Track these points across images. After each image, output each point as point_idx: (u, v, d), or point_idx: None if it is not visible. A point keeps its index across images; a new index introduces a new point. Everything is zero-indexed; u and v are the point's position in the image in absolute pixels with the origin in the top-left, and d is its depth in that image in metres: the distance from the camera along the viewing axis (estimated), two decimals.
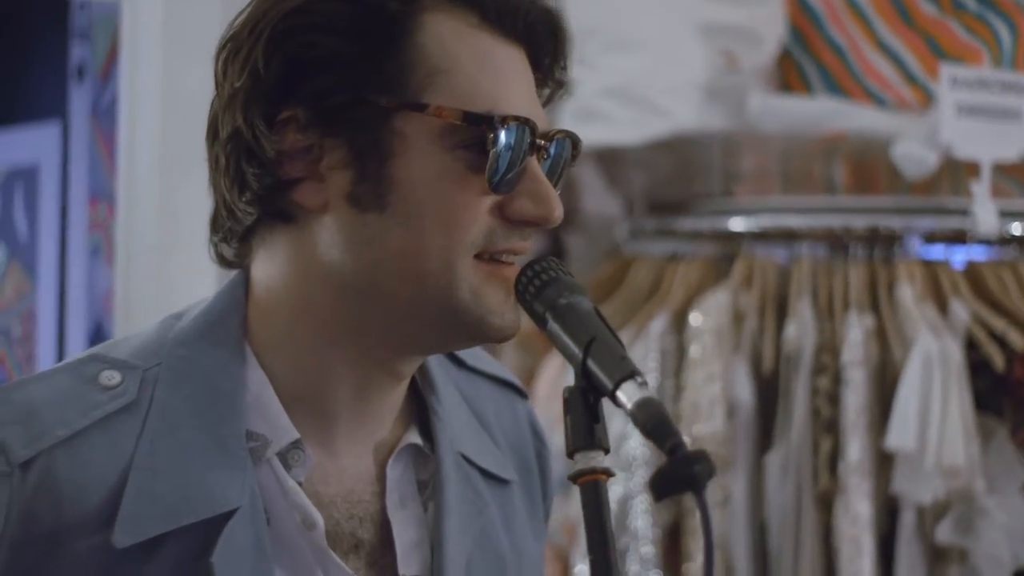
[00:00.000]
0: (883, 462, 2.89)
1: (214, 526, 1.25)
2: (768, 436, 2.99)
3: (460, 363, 1.48)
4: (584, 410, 1.23)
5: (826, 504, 2.91)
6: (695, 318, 3.03)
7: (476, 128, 1.26)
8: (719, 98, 3.26)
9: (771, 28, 3.39)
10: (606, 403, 1.22)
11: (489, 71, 1.28)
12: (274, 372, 1.31)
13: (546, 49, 1.34)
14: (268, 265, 1.32)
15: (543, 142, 1.30)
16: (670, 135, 3.20)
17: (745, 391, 2.98)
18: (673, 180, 3.47)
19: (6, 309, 5.04)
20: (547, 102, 1.36)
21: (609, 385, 1.20)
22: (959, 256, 3.06)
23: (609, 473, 1.22)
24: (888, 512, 2.90)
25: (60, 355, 4.85)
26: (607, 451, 1.23)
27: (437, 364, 1.43)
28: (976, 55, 3.35)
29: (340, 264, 1.28)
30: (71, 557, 1.23)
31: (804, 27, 3.53)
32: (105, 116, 4.60)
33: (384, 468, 1.36)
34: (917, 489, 2.83)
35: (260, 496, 1.28)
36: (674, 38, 3.24)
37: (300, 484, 1.31)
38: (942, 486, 2.81)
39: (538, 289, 1.29)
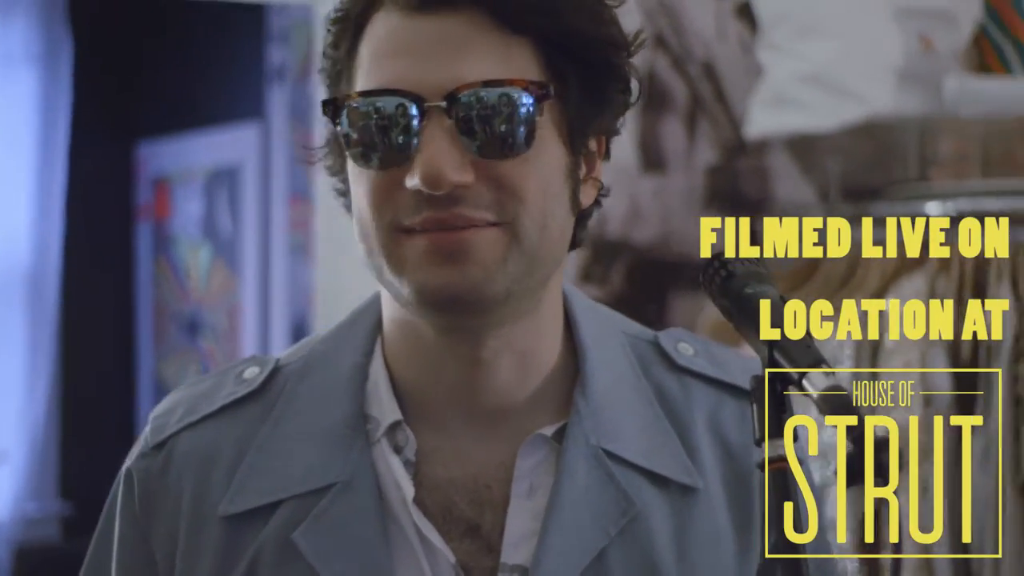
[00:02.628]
0: None
1: (312, 501, 1.34)
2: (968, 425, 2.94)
3: (672, 364, 1.46)
4: (771, 398, 1.23)
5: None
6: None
7: (324, 112, 1.32)
8: (915, 82, 3.22)
9: (967, 9, 3.33)
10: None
11: (381, 52, 1.30)
12: (393, 362, 1.38)
13: (505, 7, 1.30)
14: None
15: (440, 103, 1.27)
16: (865, 121, 3.17)
17: (943, 378, 2.93)
18: (868, 166, 3.43)
19: (212, 304, 5.20)
20: (580, 52, 1.32)
21: (795, 373, 1.20)
22: None
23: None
24: None
25: (264, 349, 4.99)
26: (796, 439, 1.23)
27: (618, 361, 1.43)
28: None
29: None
30: (195, 525, 1.36)
31: (1000, 6, 3.46)
32: (304, 116, 4.72)
33: (515, 457, 1.38)
34: None
35: (373, 473, 1.35)
36: (867, 22, 3.21)
37: (411, 463, 1.36)
38: None
39: (724, 280, 1.30)
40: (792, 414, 1.24)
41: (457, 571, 1.34)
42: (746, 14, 3.56)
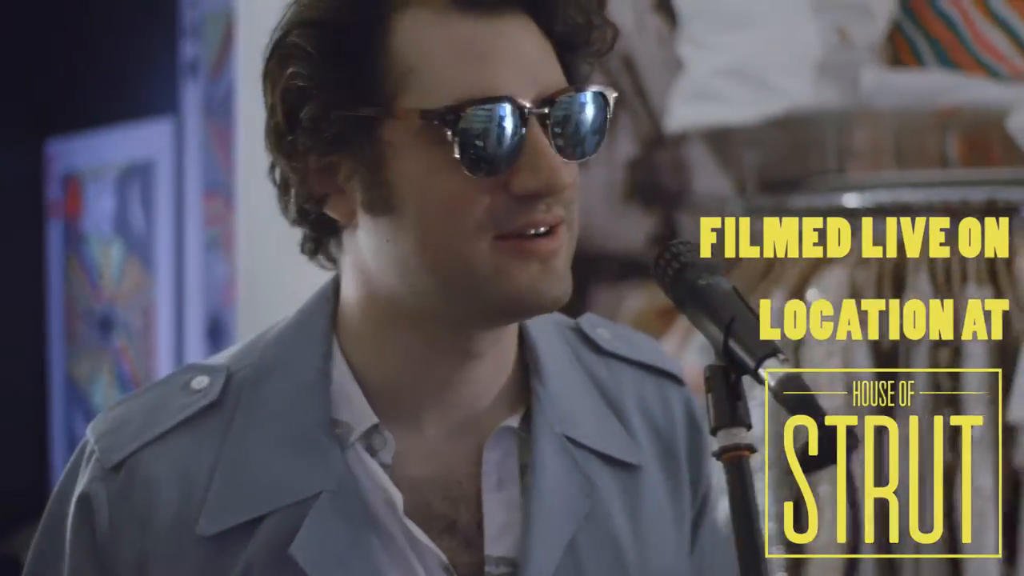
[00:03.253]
0: (1006, 435, 2.87)
1: (299, 513, 1.31)
2: (889, 412, 2.99)
3: (597, 348, 1.50)
4: (726, 388, 1.25)
5: (948, 478, 2.90)
6: (812, 295, 3.03)
7: (439, 124, 1.28)
8: (832, 75, 3.26)
9: (881, 3, 3.38)
10: None
11: (461, 56, 1.30)
12: (357, 363, 1.37)
13: (543, 8, 1.34)
14: (343, 272, 1.40)
15: (543, 109, 1.30)
16: (785, 113, 3.21)
17: (865, 366, 2.97)
18: (785, 158, 3.47)
19: (125, 302, 5.14)
20: (592, 51, 1.37)
21: (751, 363, 1.22)
22: None
23: (752, 449, 1.25)
24: (1012, 485, 2.89)
25: (179, 347, 4.95)
26: (749, 427, 1.26)
27: (559, 348, 1.46)
28: None
29: (376, 266, 1.34)
30: (170, 548, 1.31)
31: (914, 0, 3.52)
32: (218, 111, 4.69)
33: (483, 451, 1.40)
34: None
35: (354, 479, 1.34)
36: (786, 15, 3.24)
37: (388, 466, 1.36)
38: None
39: (677, 272, 1.32)
40: (745, 402, 1.26)
41: (448, 570, 1.35)
42: (664, 8, 3.59)
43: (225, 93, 4.55)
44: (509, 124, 1.28)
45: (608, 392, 1.49)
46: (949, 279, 3.00)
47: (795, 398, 1.18)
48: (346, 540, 1.32)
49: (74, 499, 1.36)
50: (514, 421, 1.41)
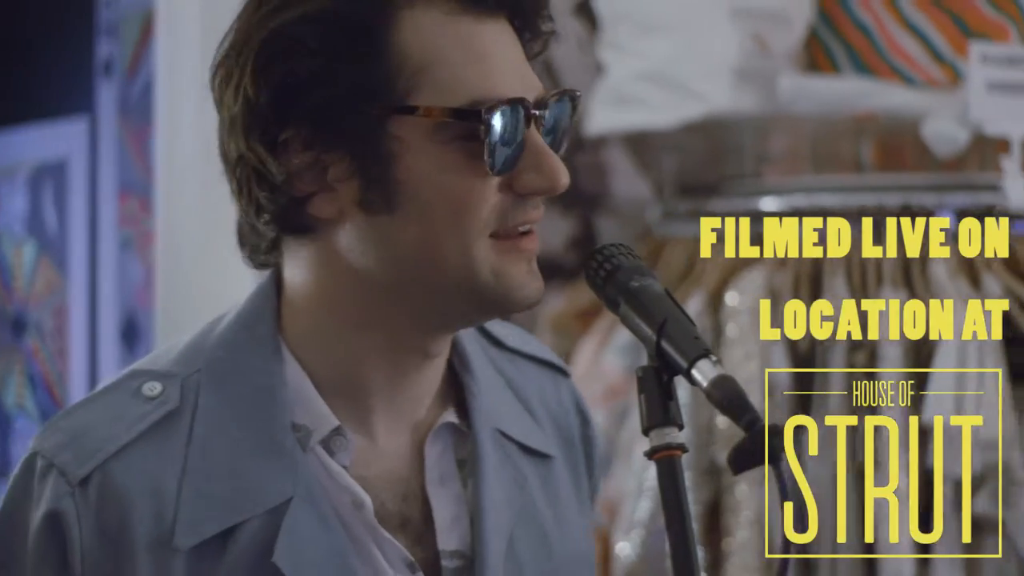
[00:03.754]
0: (920, 436, 2.92)
1: (274, 520, 1.30)
2: (806, 412, 3.03)
3: (500, 344, 1.53)
4: (658, 388, 1.27)
5: (864, 478, 2.94)
6: (731, 297, 3.06)
7: (467, 121, 1.29)
8: (750, 80, 3.30)
9: (799, 10, 3.42)
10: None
11: (473, 57, 1.31)
12: (309, 365, 1.36)
13: (526, 12, 1.37)
14: (295, 269, 1.37)
15: (538, 112, 1.33)
16: (704, 118, 3.24)
17: (783, 373, 3.01)
18: (703, 162, 3.51)
19: (38, 303, 5.08)
20: (535, 55, 1.40)
21: (684, 364, 1.24)
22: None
23: (684, 448, 1.27)
24: (926, 485, 2.94)
25: (92, 348, 4.90)
26: (681, 427, 1.27)
27: (474, 345, 1.48)
28: (1002, 31, 3.38)
29: (363, 265, 1.33)
30: (144, 564, 1.28)
31: (830, 7, 3.56)
32: (134, 110, 4.65)
33: (423, 448, 1.41)
34: (954, 462, 2.86)
35: (319, 483, 1.34)
36: (705, 21, 3.28)
37: (346, 468, 1.36)
38: (979, 459, 2.85)
39: (609, 273, 1.33)
40: (677, 403, 1.28)
41: (412, 566, 1.36)
42: (584, 12, 3.61)
43: (141, 93, 4.51)
44: (519, 125, 1.31)
45: (516, 387, 1.51)
46: (865, 281, 3.05)
47: (727, 398, 1.20)
48: (322, 545, 1.31)
49: (35, 520, 1.30)
50: (452, 416, 1.43)
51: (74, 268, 4.97)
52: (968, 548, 2.93)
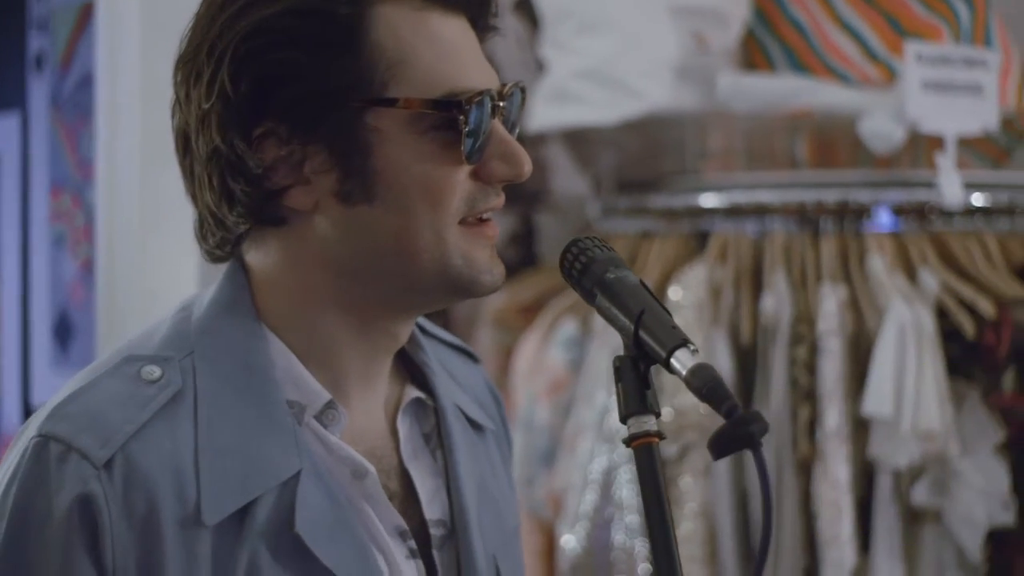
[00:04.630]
0: (860, 428, 2.98)
1: (287, 492, 1.34)
2: (748, 405, 3.07)
3: (424, 331, 1.57)
4: (635, 377, 1.29)
5: (806, 470, 2.99)
6: (674, 292, 3.10)
7: (444, 112, 1.34)
8: (690, 78, 3.33)
9: (737, 9, 3.46)
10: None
11: (443, 50, 1.36)
12: (291, 345, 1.40)
13: (481, 8, 1.42)
14: (263, 258, 1.40)
15: (501, 103, 1.38)
16: (644, 115, 3.27)
17: (725, 362, 3.05)
18: (641, 159, 3.54)
19: None
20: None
21: (663, 353, 1.26)
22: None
23: (661, 436, 1.29)
24: (865, 476, 2.99)
25: (24, 345, 4.85)
26: (658, 415, 1.30)
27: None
28: (936, 32, 3.44)
29: (337, 254, 1.37)
30: (174, 541, 1.30)
31: (766, 7, 3.60)
32: (66, 105, 4.61)
33: (395, 423, 1.46)
34: (893, 453, 2.92)
35: (317, 456, 1.37)
36: (645, 20, 3.31)
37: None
38: (917, 450, 2.90)
39: (584, 266, 1.36)
40: (655, 391, 1.31)
41: (405, 534, 1.41)
42: (523, 10, 3.63)
43: (74, 87, 4.48)
44: (487, 115, 1.36)
45: (447, 368, 1.57)
46: (804, 276, 3.10)
47: (707, 386, 1.23)
48: (331, 514, 1.35)
49: (62, 502, 1.28)
50: (417, 392, 1.48)
51: (6, 265, 4.92)
52: (907, 538, 2.99)
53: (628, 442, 1.29)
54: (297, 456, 1.35)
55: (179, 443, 1.32)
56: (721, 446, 1.21)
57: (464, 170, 1.35)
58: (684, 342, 1.26)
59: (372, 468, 1.39)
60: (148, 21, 3.06)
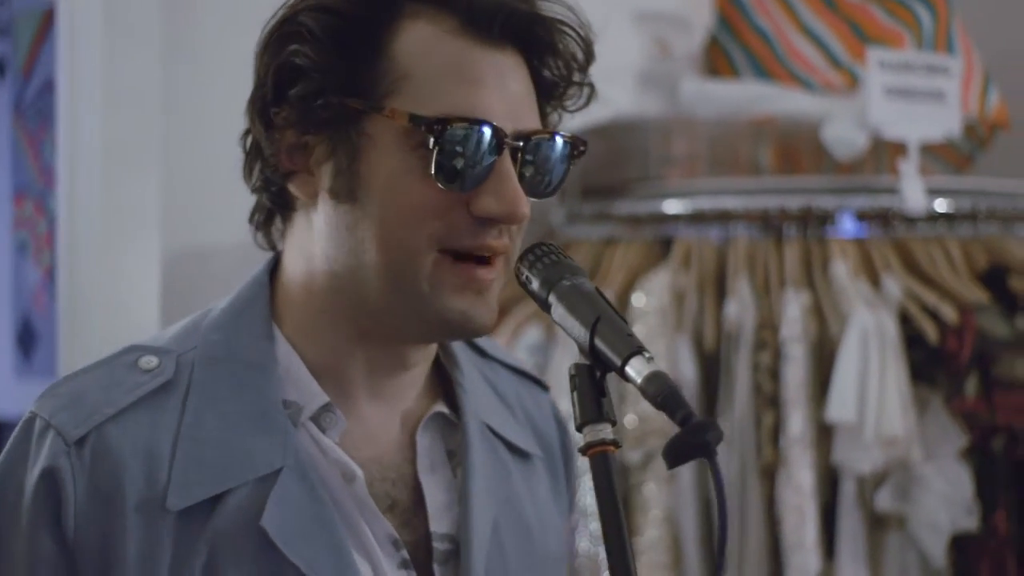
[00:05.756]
0: (824, 434, 2.98)
1: (262, 488, 1.35)
2: (712, 412, 3.07)
3: (482, 353, 1.58)
4: (591, 385, 1.29)
5: (769, 476, 2.99)
6: (638, 298, 3.10)
7: (421, 129, 1.34)
8: (653, 84, 3.33)
9: (699, 15, 3.47)
10: None
11: (456, 75, 1.36)
12: (299, 347, 1.42)
13: (538, 52, 1.41)
14: (288, 252, 1.45)
15: (519, 143, 1.36)
16: (608, 121, 3.27)
17: (688, 368, 3.05)
18: (606, 165, 3.54)
19: None
20: (561, 100, 1.45)
21: (618, 361, 1.25)
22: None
23: (617, 444, 1.28)
24: (829, 482, 2.99)
25: None
26: (614, 423, 1.29)
27: (460, 348, 1.54)
28: (898, 38, 3.45)
29: (327, 250, 1.39)
30: (135, 522, 1.33)
31: (730, 13, 3.61)
32: (29, 112, 4.58)
33: (414, 436, 1.46)
34: (857, 459, 2.92)
35: (308, 455, 1.39)
36: (607, 25, 3.30)
37: (336, 445, 1.41)
38: (881, 455, 2.91)
39: (540, 272, 1.35)
40: (610, 399, 1.30)
41: (396, 543, 1.41)
42: None
43: (37, 93, 4.46)
44: (485, 146, 1.34)
45: (499, 391, 1.57)
46: (768, 282, 3.10)
47: (661, 394, 1.22)
48: (309, 513, 1.36)
49: (32, 477, 1.34)
50: (442, 407, 1.47)
51: None
52: (871, 543, 2.99)
53: (584, 451, 1.28)
54: (282, 454, 1.36)
55: (159, 429, 1.36)
56: (676, 454, 1.21)
57: (448, 197, 1.34)
58: (639, 350, 1.25)
59: (360, 472, 1.39)
60: (110, 27, 3.04)
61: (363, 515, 1.40)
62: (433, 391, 1.49)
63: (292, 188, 1.40)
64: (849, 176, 3.31)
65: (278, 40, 1.38)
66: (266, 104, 1.39)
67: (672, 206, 3.24)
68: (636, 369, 1.25)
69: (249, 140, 1.42)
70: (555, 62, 1.43)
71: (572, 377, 1.30)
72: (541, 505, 1.53)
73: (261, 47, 1.40)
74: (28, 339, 4.72)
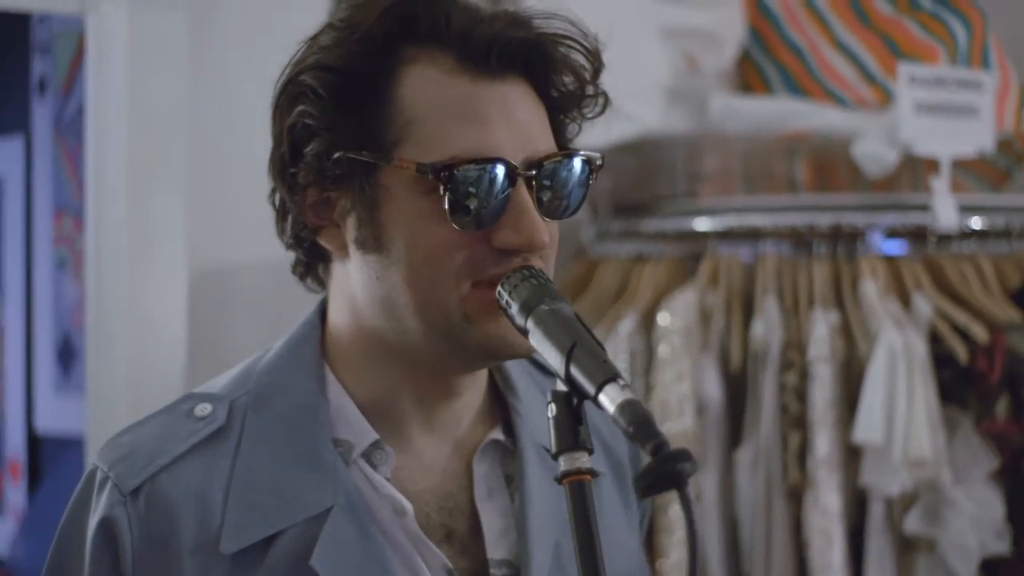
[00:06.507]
0: (851, 455, 2.94)
1: (313, 528, 1.38)
2: (737, 433, 3.04)
3: (545, 371, 1.57)
4: (568, 413, 1.27)
5: (796, 498, 2.95)
6: (663, 318, 3.07)
7: (433, 177, 1.35)
8: (681, 100, 3.31)
9: (730, 30, 3.44)
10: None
11: (461, 115, 1.37)
12: (349, 386, 1.45)
13: (542, 74, 1.41)
14: (332, 298, 1.48)
15: (531, 171, 1.36)
16: (635, 138, 3.24)
17: (714, 389, 3.02)
18: (637, 182, 3.51)
19: None
20: (577, 114, 1.45)
21: (592, 389, 1.23)
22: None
23: (594, 473, 1.26)
24: (857, 504, 2.95)
25: (28, 368, 4.85)
26: (591, 452, 1.27)
27: (519, 369, 1.54)
28: (933, 53, 3.41)
29: (365, 299, 1.42)
30: (190, 566, 1.38)
31: (763, 29, 3.58)
32: (68, 129, 4.61)
33: (471, 464, 1.47)
34: (885, 481, 2.88)
35: (360, 493, 1.41)
36: (635, 42, 3.28)
37: (388, 480, 1.43)
38: (909, 477, 2.86)
39: (519, 297, 1.33)
40: (587, 427, 1.28)
41: (452, 573, 1.42)
42: None
43: (76, 111, 4.49)
44: (498, 183, 1.36)
45: None
46: (796, 301, 3.06)
47: (633, 423, 1.19)
48: (360, 549, 1.38)
49: (92, 526, 1.41)
50: (498, 434, 1.48)
51: (10, 288, 4.93)
52: (900, 567, 2.95)
53: (559, 479, 1.26)
54: (332, 493, 1.39)
55: (212, 475, 1.40)
56: (647, 485, 1.18)
57: (468, 234, 1.36)
58: (613, 377, 1.23)
59: (409, 506, 1.41)
60: (136, 46, 3.05)
61: (417, 548, 1.41)
62: (491, 417, 1.50)
63: (322, 242, 1.43)
64: (883, 193, 3.27)
65: (286, 101, 1.41)
66: (284, 164, 1.42)
67: (701, 223, 3.21)
68: (610, 396, 1.22)
69: (277, 198, 1.46)
70: (561, 79, 1.42)
71: (548, 404, 1.28)
72: (609, 522, 1.50)
73: (273, 108, 1.43)
74: (67, 355, 4.75)
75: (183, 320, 3.06)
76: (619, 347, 3.07)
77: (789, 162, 3.47)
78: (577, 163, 1.40)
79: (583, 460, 1.26)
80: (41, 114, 4.76)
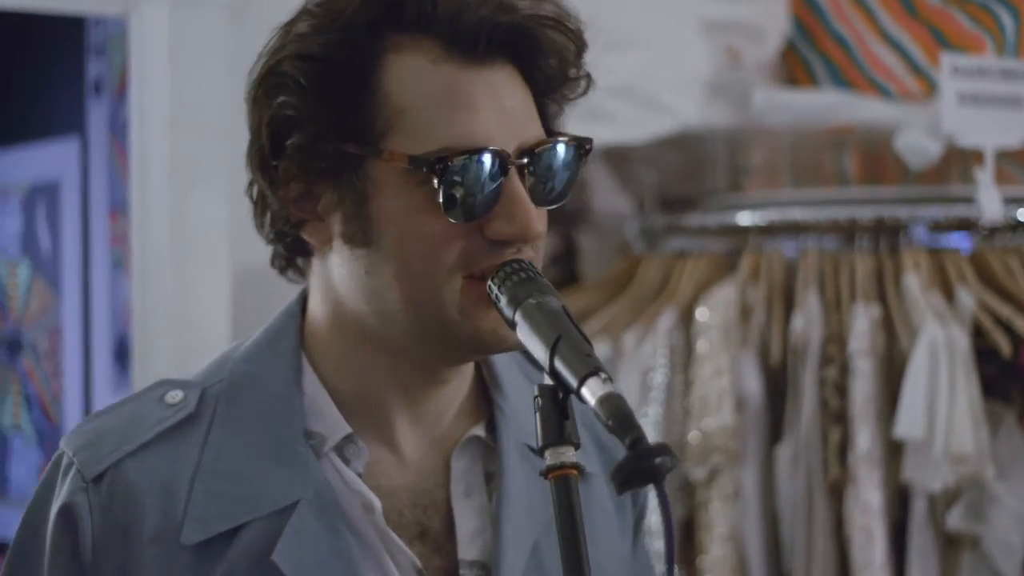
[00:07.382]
0: (893, 451, 2.90)
1: (279, 522, 1.36)
2: (777, 428, 3.01)
3: (537, 365, 1.53)
4: (554, 407, 1.25)
5: (837, 494, 2.92)
6: (702, 313, 3.05)
7: (427, 170, 1.32)
8: (723, 94, 3.28)
9: (773, 23, 3.41)
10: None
11: (450, 104, 1.33)
12: (328, 378, 1.42)
13: (529, 58, 1.37)
14: (312, 291, 1.44)
15: (523, 160, 1.33)
16: (676, 132, 3.22)
17: (753, 384, 2.99)
18: (682, 177, 3.49)
19: (32, 324, 5.09)
20: (562, 96, 1.41)
21: (574, 382, 1.22)
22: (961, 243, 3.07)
23: (579, 468, 1.25)
24: (899, 500, 2.92)
25: (86, 368, 4.89)
26: (577, 446, 1.26)
27: (510, 362, 1.51)
28: (980, 44, 3.36)
29: (350, 293, 1.39)
30: (151, 555, 1.36)
31: (808, 21, 3.55)
32: (123, 130, 4.64)
33: (449, 461, 1.44)
34: (927, 477, 2.84)
35: (330, 487, 1.38)
36: (676, 35, 3.26)
37: (361, 475, 1.40)
38: (952, 473, 2.82)
39: (509, 290, 1.32)
40: (573, 421, 1.26)
41: (421, 573, 1.39)
42: None
43: (129, 113, 4.52)
44: (489, 173, 1.33)
45: None
46: (838, 295, 3.03)
47: (612, 416, 1.18)
48: (325, 545, 1.36)
49: (53, 511, 1.39)
50: (479, 431, 1.45)
51: (67, 288, 4.97)
52: (943, 563, 2.91)
53: (545, 474, 1.25)
54: (301, 486, 1.37)
55: (178, 463, 1.38)
56: (623, 479, 1.17)
57: (460, 225, 1.33)
58: (596, 370, 1.22)
59: (378, 503, 1.38)
60: (177, 46, 3.07)
61: (386, 546, 1.39)
62: (475, 412, 1.47)
63: (306, 236, 1.39)
64: (932, 186, 3.23)
65: (265, 92, 1.36)
66: (265, 157, 1.37)
67: (744, 218, 3.19)
68: (592, 390, 1.21)
69: (255, 191, 1.41)
70: (548, 62, 1.38)
71: (535, 398, 1.27)
72: (597, 522, 1.48)
73: (250, 99, 1.38)
74: (125, 354, 4.78)
75: (227, 319, 3.08)
76: (659, 343, 3.06)
77: (838, 155, 3.44)
78: (567, 148, 1.37)
79: (568, 455, 1.24)
80: (97, 115, 4.80)
